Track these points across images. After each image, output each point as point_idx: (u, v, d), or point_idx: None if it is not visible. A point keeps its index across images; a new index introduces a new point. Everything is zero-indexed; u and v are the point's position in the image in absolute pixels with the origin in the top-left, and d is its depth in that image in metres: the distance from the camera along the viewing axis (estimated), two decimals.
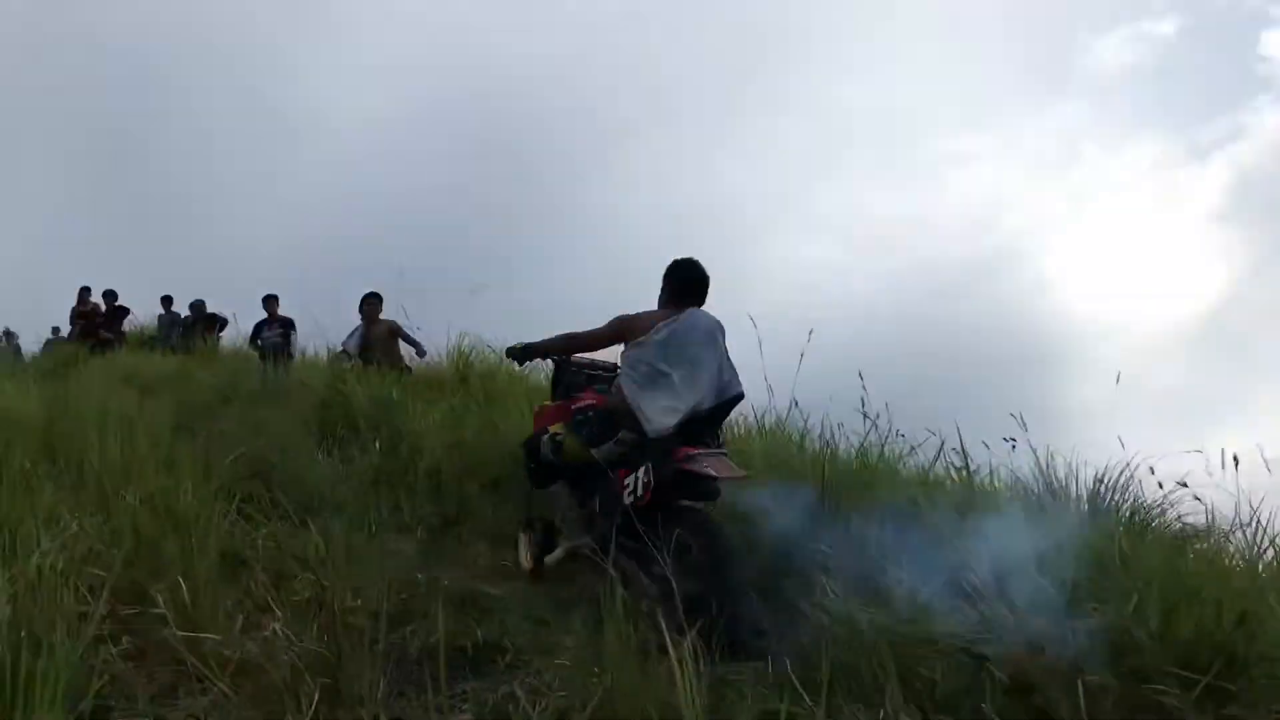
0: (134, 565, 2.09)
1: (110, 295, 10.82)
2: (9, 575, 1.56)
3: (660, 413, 2.59)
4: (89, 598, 1.78)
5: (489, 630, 2.19)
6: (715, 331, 2.77)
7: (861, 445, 3.31)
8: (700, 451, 2.57)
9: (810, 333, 3.42)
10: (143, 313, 11.38)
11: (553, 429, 2.98)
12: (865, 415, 3.28)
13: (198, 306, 10.33)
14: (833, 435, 3.49)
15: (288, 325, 8.25)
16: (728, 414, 2.97)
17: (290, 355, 7.97)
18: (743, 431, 3.85)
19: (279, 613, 2.07)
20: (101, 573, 1.97)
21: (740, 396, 2.87)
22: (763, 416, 3.93)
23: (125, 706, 1.69)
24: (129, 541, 2.16)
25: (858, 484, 2.95)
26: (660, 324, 2.73)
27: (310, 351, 8.30)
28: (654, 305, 2.93)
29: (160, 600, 1.96)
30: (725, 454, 2.72)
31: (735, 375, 2.82)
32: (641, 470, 2.58)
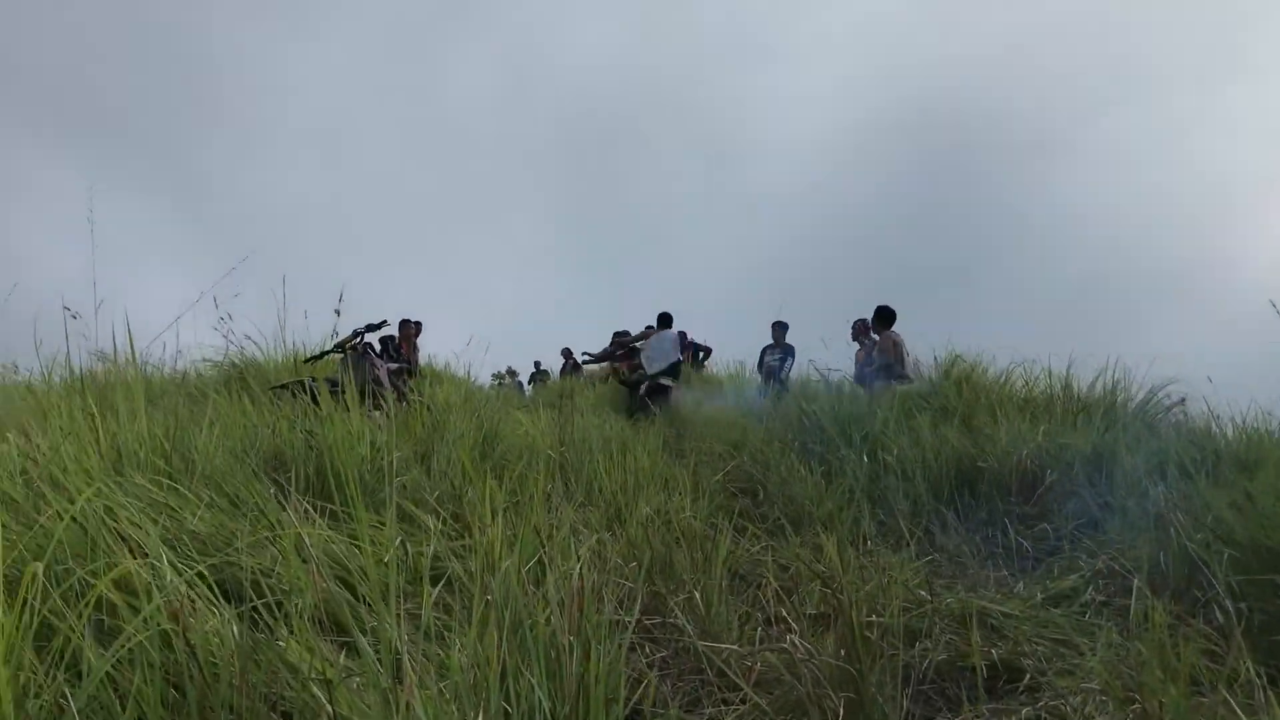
0: (650, 579, 2.22)
1: (622, 334, 13.14)
2: (555, 583, 1.69)
3: (652, 371, 8.35)
4: (618, 608, 1.89)
5: (1001, 649, 2.07)
6: (676, 337, 8.89)
7: None
8: (659, 382, 7.86)
9: None
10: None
11: (620, 375, 9.38)
12: None
13: (678, 338, 11.82)
14: None
15: (788, 351, 9.18)
16: (678, 370, 8.38)
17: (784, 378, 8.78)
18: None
19: (794, 625, 2.08)
20: (629, 583, 2.13)
21: (679, 361, 8.57)
22: None
23: (659, 713, 1.76)
24: (645, 556, 2.31)
25: None
26: (654, 336, 8.80)
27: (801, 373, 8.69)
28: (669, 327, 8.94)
29: (678, 611, 2.04)
30: (670, 385, 7.90)
31: (678, 353, 8.71)
32: (645, 385, 7.81)
